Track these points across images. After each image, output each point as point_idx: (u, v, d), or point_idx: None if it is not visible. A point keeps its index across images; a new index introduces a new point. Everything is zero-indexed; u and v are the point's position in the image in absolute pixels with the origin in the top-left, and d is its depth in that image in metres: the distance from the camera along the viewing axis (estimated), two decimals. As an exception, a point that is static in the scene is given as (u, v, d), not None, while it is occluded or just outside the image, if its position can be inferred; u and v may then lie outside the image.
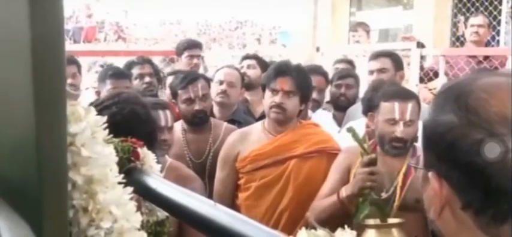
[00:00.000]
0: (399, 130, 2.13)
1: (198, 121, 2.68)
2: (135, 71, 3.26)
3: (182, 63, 3.85)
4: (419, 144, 2.26)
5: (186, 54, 3.86)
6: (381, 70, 3.16)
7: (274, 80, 2.35)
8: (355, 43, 4.84)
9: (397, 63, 3.24)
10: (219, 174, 2.50)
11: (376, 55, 3.30)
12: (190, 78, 2.74)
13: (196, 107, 2.65)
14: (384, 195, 2.13)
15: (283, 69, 2.38)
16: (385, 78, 3.07)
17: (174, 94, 2.77)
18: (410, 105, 2.14)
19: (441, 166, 0.70)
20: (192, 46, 3.95)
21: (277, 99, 2.32)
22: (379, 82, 2.84)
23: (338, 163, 2.26)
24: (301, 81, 2.37)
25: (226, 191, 2.47)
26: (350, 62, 4.05)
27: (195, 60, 3.81)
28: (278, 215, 2.33)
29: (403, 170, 2.15)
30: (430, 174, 0.72)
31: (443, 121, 0.70)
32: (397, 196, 2.12)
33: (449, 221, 0.71)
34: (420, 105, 2.23)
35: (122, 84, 2.86)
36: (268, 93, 2.37)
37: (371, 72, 3.22)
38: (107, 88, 2.86)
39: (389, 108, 2.16)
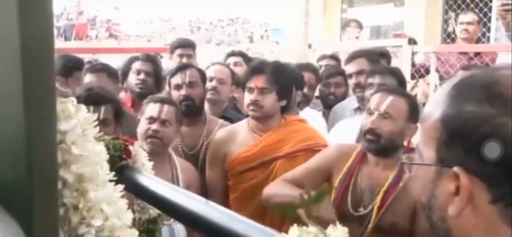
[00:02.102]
0: (371, 120, 2.02)
1: (186, 110, 2.65)
2: (135, 66, 3.27)
3: (174, 61, 3.85)
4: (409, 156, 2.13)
5: (177, 52, 3.87)
6: (359, 73, 3.03)
7: (249, 79, 2.39)
8: (350, 40, 4.82)
9: (374, 61, 3.11)
10: (209, 172, 2.52)
11: (351, 58, 3.17)
12: (181, 66, 2.87)
13: (183, 92, 2.67)
14: (361, 210, 2.03)
15: (257, 68, 2.43)
16: (362, 80, 2.91)
17: (169, 85, 2.85)
18: (390, 98, 2.02)
19: (470, 159, 0.67)
20: (184, 45, 3.96)
21: (253, 96, 2.35)
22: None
23: (325, 154, 2.19)
24: (276, 78, 2.37)
25: (218, 187, 2.49)
26: (335, 58, 4.01)
27: (184, 59, 3.81)
28: (264, 216, 2.32)
29: (385, 187, 2.00)
30: (456, 169, 0.68)
31: (476, 112, 0.66)
32: (373, 216, 1.99)
33: (467, 217, 0.68)
34: (412, 104, 2.06)
35: (100, 79, 2.93)
36: (246, 92, 2.41)
37: (350, 76, 3.11)
38: (85, 82, 2.97)
39: (370, 100, 2.11)
